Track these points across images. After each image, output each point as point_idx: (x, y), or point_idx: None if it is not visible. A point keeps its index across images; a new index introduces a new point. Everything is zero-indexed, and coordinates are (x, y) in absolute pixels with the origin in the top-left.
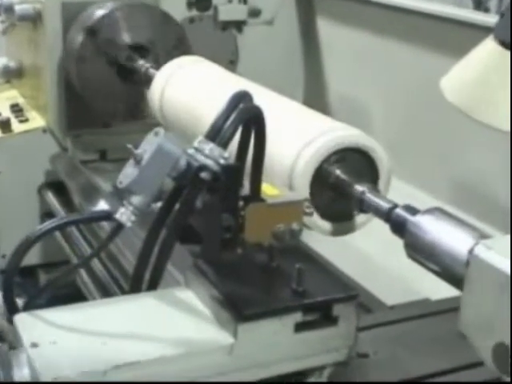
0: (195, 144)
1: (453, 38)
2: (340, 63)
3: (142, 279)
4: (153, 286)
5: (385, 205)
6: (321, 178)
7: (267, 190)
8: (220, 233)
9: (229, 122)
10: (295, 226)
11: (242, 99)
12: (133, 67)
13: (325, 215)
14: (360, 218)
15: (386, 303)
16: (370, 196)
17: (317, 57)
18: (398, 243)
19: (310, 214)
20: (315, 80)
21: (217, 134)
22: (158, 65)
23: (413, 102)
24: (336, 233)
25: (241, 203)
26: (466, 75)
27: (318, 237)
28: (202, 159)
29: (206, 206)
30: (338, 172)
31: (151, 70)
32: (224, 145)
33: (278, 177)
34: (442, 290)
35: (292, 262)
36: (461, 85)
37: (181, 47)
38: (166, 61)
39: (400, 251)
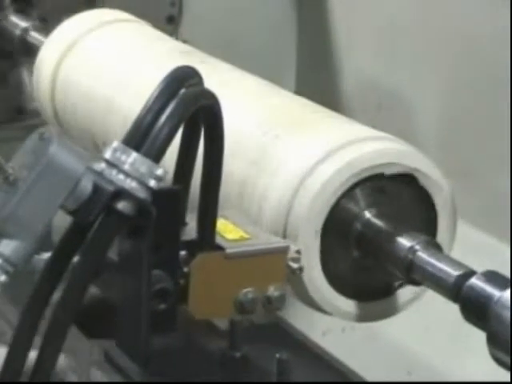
0: (107, 155)
1: None
2: (359, 25)
3: None
4: None
5: (451, 271)
6: (339, 225)
7: (225, 229)
8: (148, 303)
9: (163, 118)
10: (274, 291)
11: (183, 80)
12: None
13: (346, 288)
14: (406, 292)
15: None
16: (425, 256)
17: (320, 13)
18: (452, 330)
19: (299, 271)
20: (317, 54)
21: (144, 137)
22: (46, 25)
23: (487, 94)
24: (365, 317)
25: (183, 253)
26: None
27: (312, 315)
28: (118, 179)
29: (124, 259)
30: (368, 215)
31: (34, 35)
32: (155, 155)
33: (259, 218)
34: None
35: (269, 351)
36: None
37: None
38: (60, 19)
39: (459, 344)
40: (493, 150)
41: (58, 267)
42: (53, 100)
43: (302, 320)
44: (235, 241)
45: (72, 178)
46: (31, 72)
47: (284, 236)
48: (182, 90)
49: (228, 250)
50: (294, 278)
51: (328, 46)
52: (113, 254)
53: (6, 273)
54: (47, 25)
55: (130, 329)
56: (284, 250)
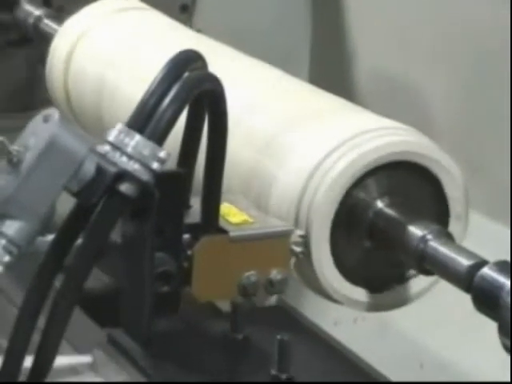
0: (110, 137)
1: None
2: (372, 17)
3: (19, 370)
4: (37, 377)
5: (463, 261)
6: (350, 214)
7: (229, 213)
8: (151, 285)
9: (167, 101)
10: (276, 274)
11: (187, 64)
12: (13, 17)
13: (357, 278)
14: (418, 282)
15: None
16: (437, 245)
17: (334, 5)
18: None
19: (302, 255)
20: (331, 44)
21: (147, 120)
22: (60, 14)
23: (492, 89)
24: (376, 306)
25: (186, 236)
26: None
27: (324, 305)
28: (121, 162)
29: (128, 241)
30: (380, 204)
31: (48, 23)
32: (159, 138)
33: (267, 207)
34: None
35: (270, 333)
36: None
37: None
38: (74, 8)
39: (470, 336)
40: (499, 142)
41: (62, 249)
42: (66, 88)
43: (313, 309)
44: (239, 224)
45: (74, 159)
46: (44, 61)
47: (295, 225)
48: (186, 74)
49: (231, 234)
50: (305, 267)
51: (342, 37)
52: (116, 236)
53: (10, 253)
54: (61, 13)
55: (133, 311)
56: (287, 234)
